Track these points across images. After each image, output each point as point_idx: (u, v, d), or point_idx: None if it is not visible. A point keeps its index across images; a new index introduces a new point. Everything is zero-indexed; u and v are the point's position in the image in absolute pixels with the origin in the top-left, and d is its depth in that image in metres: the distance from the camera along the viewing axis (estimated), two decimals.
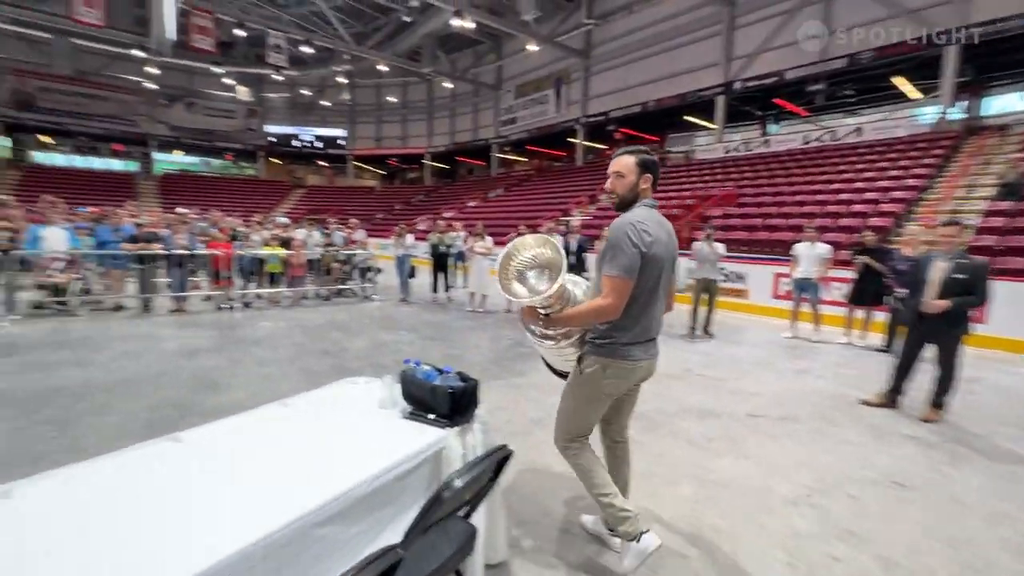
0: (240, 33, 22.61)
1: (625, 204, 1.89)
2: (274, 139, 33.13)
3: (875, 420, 3.86)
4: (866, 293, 6.36)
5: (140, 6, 21.30)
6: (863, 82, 15.05)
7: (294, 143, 33.41)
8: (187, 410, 3.60)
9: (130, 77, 27.87)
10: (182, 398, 3.85)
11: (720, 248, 6.72)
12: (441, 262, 9.39)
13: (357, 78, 30.81)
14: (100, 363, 4.69)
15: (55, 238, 7.06)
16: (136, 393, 3.91)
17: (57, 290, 6.91)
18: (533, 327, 1.88)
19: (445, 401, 1.65)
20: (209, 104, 31.10)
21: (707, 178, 16.07)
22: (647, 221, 1.78)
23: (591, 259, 8.17)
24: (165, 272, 7.72)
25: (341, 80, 30.33)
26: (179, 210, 11.32)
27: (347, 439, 1.58)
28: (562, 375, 2.11)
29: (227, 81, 29.05)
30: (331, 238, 10.09)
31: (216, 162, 34.59)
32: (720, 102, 17.25)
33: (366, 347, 5.77)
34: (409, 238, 9.62)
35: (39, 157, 28.57)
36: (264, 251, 8.43)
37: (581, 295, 1.90)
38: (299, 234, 9.47)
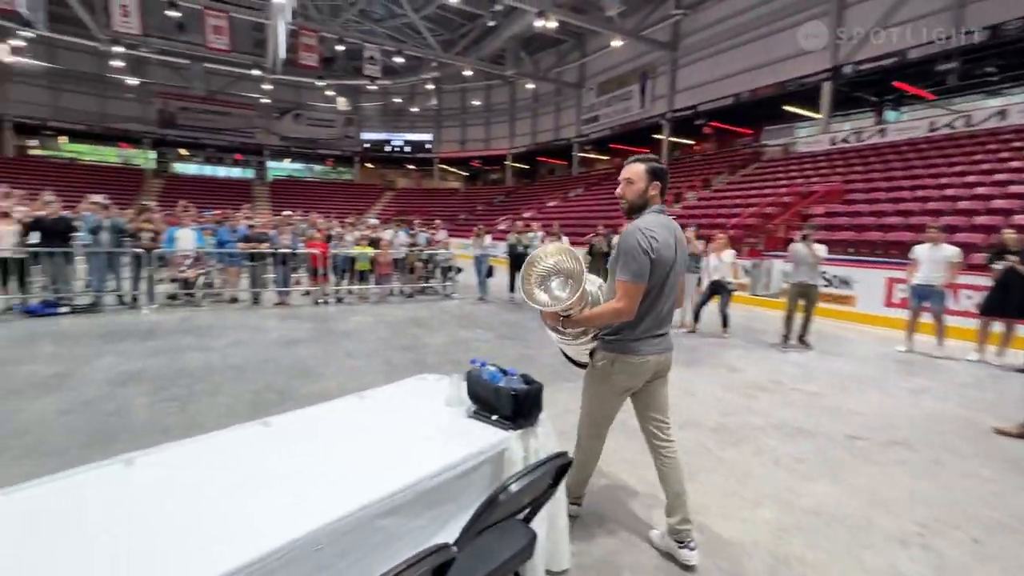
0: (340, 48, 24.44)
1: (634, 209, 2.00)
2: (368, 145, 35.50)
3: (1013, 453, 3.30)
4: (1008, 303, 5.45)
5: (259, 31, 23.79)
6: (1010, 57, 12.91)
7: (386, 148, 35.55)
8: (285, 395, 3.96)
9: (249, 94, 31.32)
10: (282, 384, 4.25)
11: (820, 250, 6.10)
12: (518, 262, 9.49)
13: (443, 84, 32.06)
14: (217, 349, 5.32)
15: (186, 238, 8.12)
16: (244, 378, 4.37)
17: (186, 283, 7.94)
18: (552, 325, 1.96)
19: (508, 403, 1.66)
20: (313, 115, 34.05)
21: (809, 172, 14.71)
22: (654, 227, 1.89)
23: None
24: (272, 269, 8.58)
25: (429, 87, 31.72)
26: (285, 213, 12.52)
27: (414, 434, 1.65)
28: (583, 366, 2.19)
29: (329, 93, 31.57)
30: (415, 238, 10.59)
31: (318, 168, 37.77)
32: (826, 89, 15.69)
33: (444, 344, 5.98)
34: (487, 238, 9.83)
35: (178, 167, 33.03)
36: (355, 250, 9.05)
37: (596, 290, 2.03)
38: (386, 234, 10.06)
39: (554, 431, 1.88)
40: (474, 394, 1.81)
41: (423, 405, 1.89)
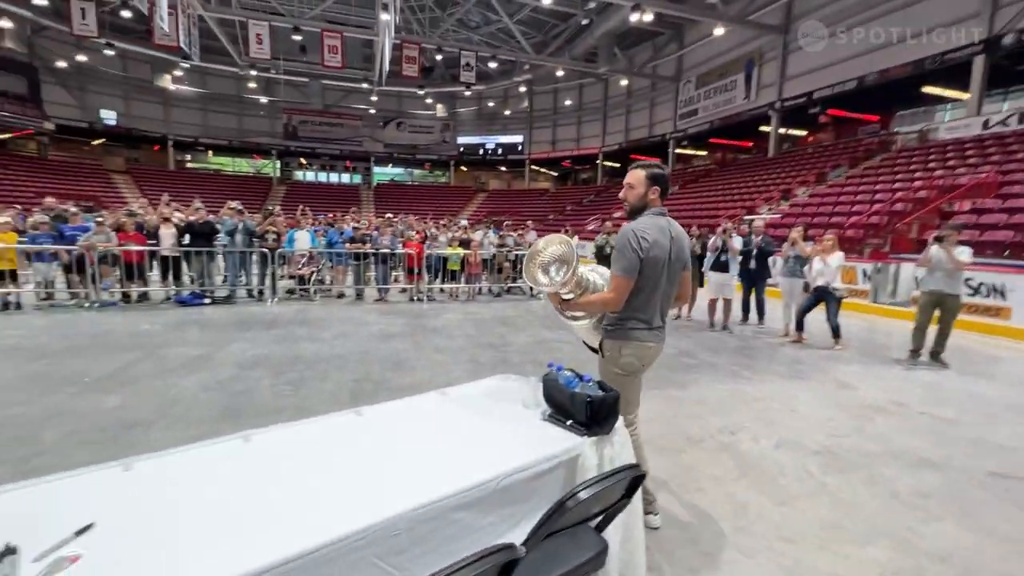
0: (439, 58, 25.71)
1: (635, 212, 2.18)
2: (463, 148, 36.93)
3: None
4: None
5: (367, 47, 25.80)
6: None
7: (480, 151, 36.73)
8: (381, 385, 4.28)
9: (358, 106, 34.10)
10: (378, 374, 4.59)
11: (963, 253, 5.25)
12: (606, 263, 9.33)
13: (535, 86, 32.40)
14: (325, 340, 5.88)
15: (302, 239, 9.07)
16: (346, 367, 4.79)
17: (302, 280, 8.86)
18: (558, 308, 2.21)
19: (582, 409, 1.66)
20: (413, 122, 36.18)
21: (952, 162, 12.71)
22: (648, 228, 2.08)
23: (779, 263, 7.20)
24: (373, 267, 9.28)
25: (521, 89, 32.27)
26: (387, 215, 13.47)
27: (491, 433, 1.71)
28: (595, 350, 2.35)
29: (428, 101, 33.41)
30: (504, 239, 10.83)
31: (417, 172, 40.07)
32: (978, 64, 13.44)
33: (528, 343, 6.06)
34: (574, 239, 9.77)
35: (298, 175, 36.90)
36: (448, 251, 9.48)
37: (601, 283, 2.20)
38: (477, 235, 10.41)
39: (630, 440, 1.84)
40: (550, 397, 1.83)
41: (502, 405, 1.95)
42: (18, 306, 7.06)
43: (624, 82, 28.05)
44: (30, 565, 0.97)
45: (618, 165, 33.34)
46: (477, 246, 9.75)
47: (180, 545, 1.08)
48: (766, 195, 17.01)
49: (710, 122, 23.67)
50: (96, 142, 30.07)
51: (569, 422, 1.71)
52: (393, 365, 4.93)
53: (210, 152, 34.57)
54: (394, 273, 10.13)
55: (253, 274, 8.84)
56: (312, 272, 8.94)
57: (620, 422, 1.76)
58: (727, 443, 3.33)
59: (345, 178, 37.68)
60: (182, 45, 19.19)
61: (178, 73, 28.40)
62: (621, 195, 2.23)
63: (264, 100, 31.70)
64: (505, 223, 12.74)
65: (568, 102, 33.30)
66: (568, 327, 2.43)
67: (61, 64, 26.96)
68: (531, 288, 10.21)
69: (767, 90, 20.50)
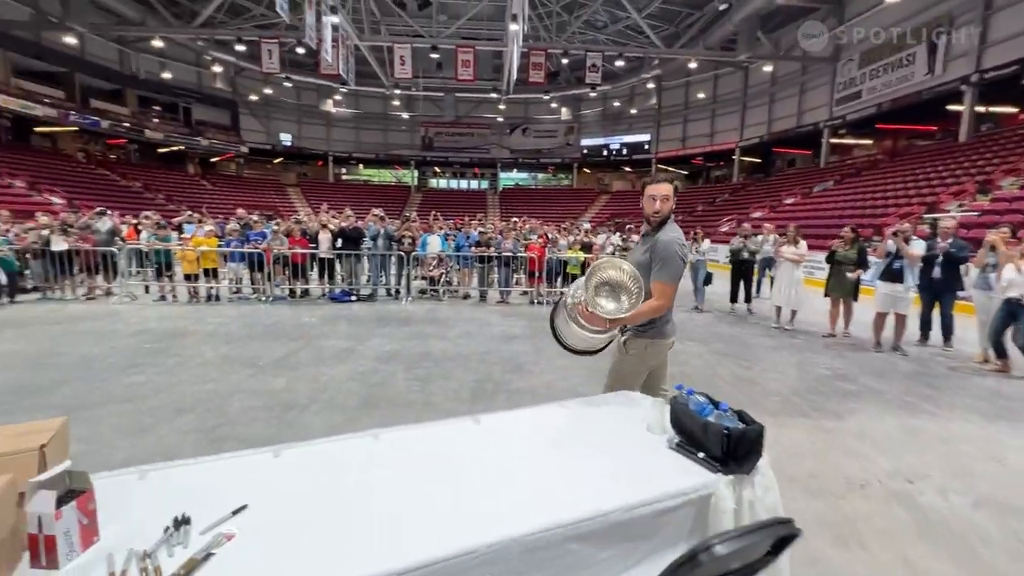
0: (564, 61, 25.86)
1: (664, 221, 2.30)
2: (587, 150, 36.66)
3: None
4: None
5: (497, 58, 26.93)
6: None
7: (603, 152, 36.13)
8: (500, 387, 4.36)
9: (486, 115, 35.80)
10: (498, 376, 4.69)
11: None
12: (743, 269, 8.47)
13: (665, 81, 30.89)
14: (450, 338, 6.20)
15: (434, 243, 9.72)
16: (469, 367, 4.98)
17: (432, 281, 9.50)
18: (593, 327, 2.13)
19: (718, 442, 1.46)
20: (538, 127, 36.91)
21: None
22: (681, 237, 2.29)
23: (974, 272, 5.86)
24: (496, 270, 9.59)
25: (649, 86, 30.97)
26: (513, 219, 13.86)
27: (612, 457, 1.59)
28: (583, 353, 2.46)
29: (553, 105, 33.80)
30: (628, 242, 10.43)
31: (541, 176, 40.78)
32: None
33: None
34: (705, 242, 9.04)
35: (432, 183, 39.94)
36: (568, 254, 9.43)
37: (629, 282, 2.15)
38: (599, 238, 10.20)
39: (776, 481, 1.58)
40: (678, 424, 1.65)
41: (624, 426, 1.82)
42: (217, 298, 8.65)
43: (768, 68, 25.36)
44: (197, 537, 1.11)
45: (759, 160, 30.40)
46: (599, 250, 9.54)
47: (316, 533, 1.15)
48: (955, 188, 14.04)
49: (877, 105, 20.29)
50: (276, 161, 35.82)
51: (701, 455, 1.52)
52: (513, 367, 5.00)
53: (361, 165, 39.08)
54: (516, 276, 10.37)
55: (391, 274, 9.71)
56: (442, 274, 9.54)
57: (764, 461, 1.52)
58: (901, 492, 2.75)
59: (474, 184, 39.83)
60: (341, 73, 21.94)
61: (337, 97, 32.56)
62: (657, 207, 2.27)
63: (405, 116, 34.86)
64: (628, 225, 12.29)
65: (701, 95, 31.12)
66: (577, 335, 2.27)
67: (253, 97, 32.65)
68: None
69: (959, 62, 16.94)
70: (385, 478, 1.43)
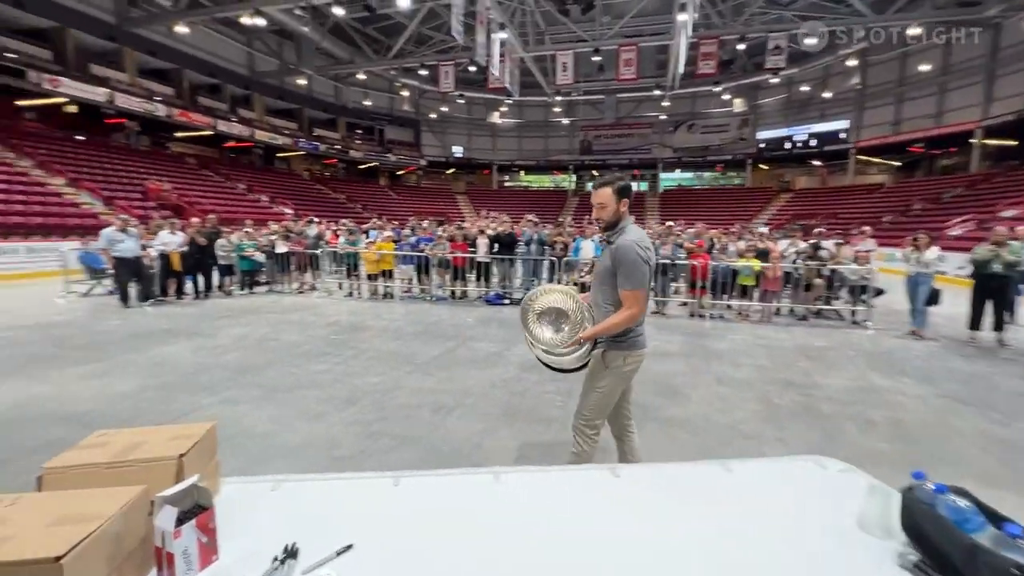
0: (740, 47, 23.32)
1: (611, 226, 2.24)
2: (763, 144, 32.62)
3: None
4: None
5: (661, 53, 25.57)
6: None
7: (785, 145, 31.72)
8: (649, 412, 3.91)
9: (648, 114, 34.33)
10: (648, 398, 4.24)
11: None
12: (991, 285, 6.43)
13: (871, 55, 25.80)
14: None
15: (587, 248, 9.47)
16: None
17: (583, 287, 9.25)
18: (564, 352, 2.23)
19: None
20: (706, 123, 34.10)
21: None
22: (642, 239, 2.19)
23: None
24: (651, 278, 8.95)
25: (850, 63, 26.19)
26: (667, 223, 12.90)
27: (801, 563, 1.15)
28: (563, 371, 2.40)
29: (725, 97, 30.82)
30: (818, 249, 8.78)
31: (707, 175, 37.61)
32: None
33: (848, 390, 4.62)
34: (932, 250, 7.10)
35: (589, 187, 39.72)
36: (739, 262, 8.31)
37: (579, 307, 2.30)
38: (781, 244, 8.81)
39: None
40: (915, 529, 1.12)
41: (818, 513, 1.33)
42: (391, 296, 9.69)
43: None
44: (299, 575, 1.04)
45: (1015, 143, 23.37)
46: (777, 257, 8.21)
47: None
48: None
49: None
50: (449, 171, 39.51)
51: None
52: (665, 390, 4.49)
53: (522, 172, 40.85)
54: (674, 284, 9.54)
55: (543, 278, 9.74)
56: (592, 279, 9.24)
57: None
58: None
59: (632, 186, 38.51)
60: (507, 85, 23.15)
61: (503, 109, 34.48)
62: (594, 216, 2.28)
63: (565, 121, 35.34)
64: (817, 229, 10.34)
65: (924, 67, 25.11)
66: (552, 357, 2.31)
67: (432, 116, 36.52)
68: (852, 313, 8.02)
69: None
70: (504, 526, 1.23)
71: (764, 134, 32.46)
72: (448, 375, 4.80)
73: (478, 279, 9.79)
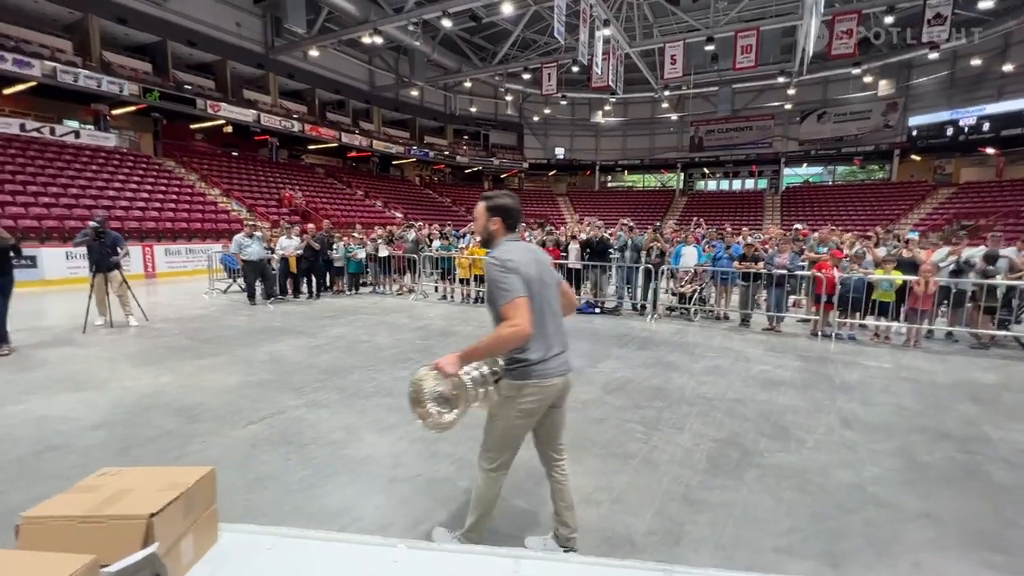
0: (888, 20, 20.08)
1: (486, 243, 2.12)
2: (916, 132, 27.84)
3: None
4: None
5: (788, 36, 22.96)
6: None
7: (947, 132, 26.73)
8: (750, 458, 3.33)
9: (769, 104, 31.13)
10: (748, 439, 3.63)
11: None
12: None
13: None
14: (694, 372, 5.26)
15: (689, 255, 8.70)
16: (710, 417, 4.03)
17: (683, 297, 8.50)
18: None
19: None
20: (840, 110, 30.05)
21: None
22: (506, 251, 1.97)
23: None
24: (765, 289, 7.92)
25: None
26: (796, 226, 11.42)
27: None
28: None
29: (866, 80, 26.89)
30: (994, 260, 7.06)
31: (841, 169, 33.17)
32: None
33: None
34: None
35: (699, 185, 37.18)
36: (875, 274, 7.00)
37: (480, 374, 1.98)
38: (937, 254, 7.29)
39: None
40: None
41: None
42: (481, 300, 9.75)
43: None
44: None
45: None
46: (930, 269, 6.76)
47: None
48: None
49: None
50: (551, 173, 39.46)
51: None
52: (773, 429, 3.82)
53: (625, 172, 39.46)
54: (792, 297, 8.38)
55: (638, 286, 9.13)
56: (695, 290, 8.44)
57: None
58: None
59: (748, 184, 35.25)
60: (610, 83, 22.41)
61: (607, 108, 33.55)
62: (472, 227, 1.64)
63: (674, 117, 33.36)
64: (995, 233, 8.26)
65: None
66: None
67: (535, 119, 36.76)
68: None
69: None
70: None
71: (917, 119, 27.67)
72: None
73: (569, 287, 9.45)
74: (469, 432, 3.59)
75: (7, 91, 16.90)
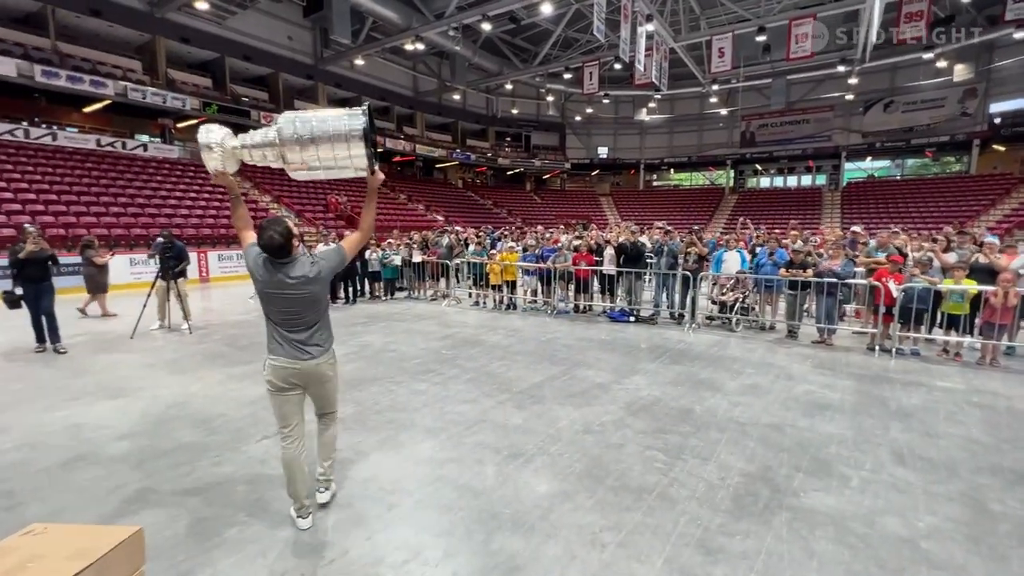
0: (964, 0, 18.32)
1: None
2: (1000, 119, 25.27)
3: None
4: None
5: (849, 21, 21.39)
6: None
7: None
8: (783, 496, 2.99)
9: (828, 95, 29.17)
10: (782, 474, 3.28)
11: None
12: None
13: None
14: (729, 393, 4.88)
15: (732, 261, 8.20)
16: (741, 446, 3.69)
17: (723, 307, 8.00)
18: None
19: None
20: (910, 98, 27.72)
21: None
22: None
23: None
24: (814, 298, 7.31)
25: None
26: (854, 229, 10.54)
27: None
28: None
29: (939, 65, 24.60)
30: None
31: (911, 162, 30.66)
32: None
33: None
34: None
35: (751, 182, 35.38)
36: (944, 284, 6.28)
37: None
38: (1017, 260, 6.47)
39: None
40: None
41: None
42: (513, 307, 9.61)
43: None
44: None
45: None
46: (1011, 278, 5.99)
47: None
48: None
49: None
50: (593, 173, 38.80)
51: None
52: (811, 463, 3.44)
53: (671, 170, 38.19)
54: (849, 307, 7.71)
55: (675, 293, 8.69)
56: (737, 299, 7.93)
57: None
58: None
59: (805, 180, 33.22)
60: (654, 80, 21.70)
61: (651, 105, 32.55)
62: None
63: (723, 112, 31.93)
64: None
65: None
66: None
67: (577, 118, 36.25)
68: None
69: None
70: None
71: (1001, 106, 25.10)
72: (540, 410, 4.39)
73: (603, 293, 9.15)
74: (481, 454, 3.45)
75: (86, 109, 18.47)
